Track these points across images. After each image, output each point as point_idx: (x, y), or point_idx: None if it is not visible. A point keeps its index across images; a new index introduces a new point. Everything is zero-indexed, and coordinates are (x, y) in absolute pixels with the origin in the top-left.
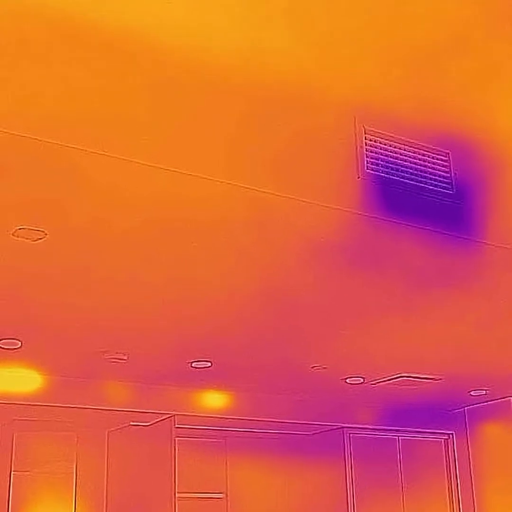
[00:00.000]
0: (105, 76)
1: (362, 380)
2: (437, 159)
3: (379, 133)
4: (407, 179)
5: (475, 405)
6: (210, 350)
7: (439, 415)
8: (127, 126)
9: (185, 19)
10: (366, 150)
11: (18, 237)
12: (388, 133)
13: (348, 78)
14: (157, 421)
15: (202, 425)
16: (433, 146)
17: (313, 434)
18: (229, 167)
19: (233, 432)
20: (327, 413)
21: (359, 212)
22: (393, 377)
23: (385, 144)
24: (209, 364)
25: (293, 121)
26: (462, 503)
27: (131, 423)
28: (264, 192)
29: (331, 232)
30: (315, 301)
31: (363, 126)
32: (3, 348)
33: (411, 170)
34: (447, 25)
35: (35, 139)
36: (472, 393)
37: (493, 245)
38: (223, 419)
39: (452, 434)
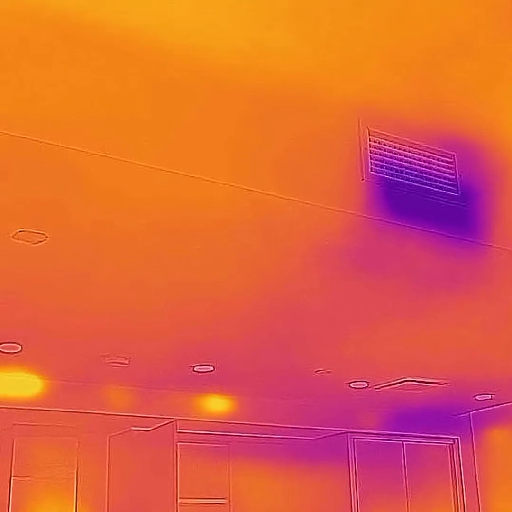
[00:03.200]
0: (106, 77)
1: (366, 385)
2: (442, 161)
3: (384, 134)
4: (412, 181)
5: (480, 410)
6: (213, 354)
7: (444, 419)
8: (129, 127)
9: (187, 19)
10: (370, 152)
11: (18, 239)
12: (392, 135)
13: (352, 79)
14: (159, 426)
15: (204, 430)
16: (438, 147)
17: (317, 439)
18: (232, 169)
19: (236, 437)
20: (331, 418)
21: (363, 215)
22: (397, 381)
23: (389, 146)
24: (212, 368)
25: (297, 122)
26: (467, 508)
27: (133, 428)
28: (268, 194)
29: (335, 235)
30: (319, 304)
31: (367, 128)
32: (3, 352)
33: (415, 172)
34: (451, 26)
35: (36, 140)
36: (477, 397)
37: (499, 247)
38: (226, 424)
39: (457, 439)
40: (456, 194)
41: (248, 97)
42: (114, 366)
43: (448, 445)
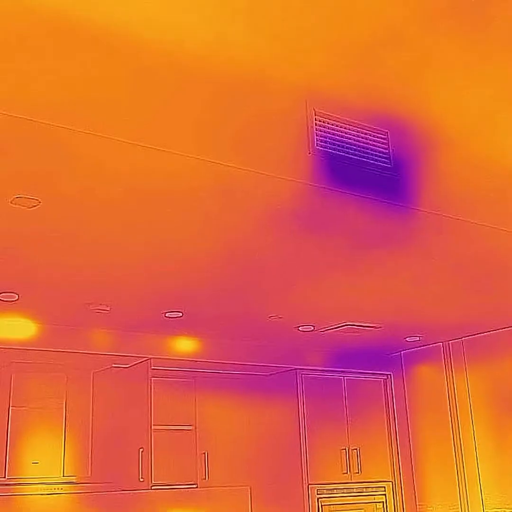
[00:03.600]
0: (92, 66)
1: (312, 328)
2: (377, 137)
3: (327, 114)
4: (352, 154)
5: (410, 350)
6: (181, 302)
7: (379, 358)
8: (111, 109)
9: (161, 16)
10: (316, 130)
11: (15, 204)
12: (335, 115)
13: (300, 67)
14: (136, 364)
15: (174, 367)
16: (374, 126)
17: (270, 374)
18: (198, 144)
19: (201, 373)
20: (282, 357)
21: (310, 183)
22: (339, 325)
23: (332, 124)
24: (181, 314)
25: (253, 104)
26: (399, 434)
27: (113, 365)
28: (228, 166)
29: (286, 201)
30: (272, 260)
31: (314, 109)
32: (2, 300)
33: (354, 147)
34: (385, 21)
35: (31, 120)
36: (407, 339)
37: (426, 211)
38: (193, 361)
39: (390, 374)
40: (389, 166)
41: (212, 83)
42: (97, 312)
43: (382, 380)
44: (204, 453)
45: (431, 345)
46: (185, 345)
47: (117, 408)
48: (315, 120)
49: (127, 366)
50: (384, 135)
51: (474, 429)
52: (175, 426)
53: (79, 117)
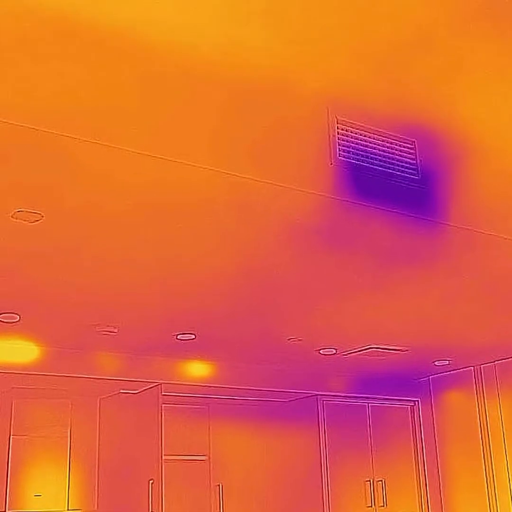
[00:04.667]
0: (98, 70)
1: (334, 351)
2: (404, 147)
3: (350, 123)
4: (376, 165)
5: (439, 374)
6: (194, 324)
7: (405, 383)
8: (118, 116)
9: (172, 17)
10: (338, 139)
11: (16, 219)
12: (358, 123)
13: (321, 72)
14: (145, 389)
15: (186, 393)
16: (400, 135)
17: (290, 401)
18: (212, 154)
19: (216, 399)
20: (302, 382)
21: (332, 196)
22: (363, 348)
23: (356, 133)
24: (193, 336)
25: (271, 112)
26: (426, 464)
27: (121, 391)
28: (244, 177)
29: (306, 214)
30: (291, 278)
31: (336, 117)
32: (3, 321)
33: (379, 157)
34: (414, 23)
35: (33, 128)
36: (436, 363)
37: (456, 226)
38: (206, 387)
39: (417, 401)
40: (416, 177)
41: (227, 89)
42: (104, 334)
43: (409, 406)
44: (219, 485)
45: (461, 369)
46: (198, 370)
47: (126, 436)
48: (337, 128)
49: (136, 392)
50: (411, 145)
51: (508, 459)
52: (188, 456)
53: (84, 125)
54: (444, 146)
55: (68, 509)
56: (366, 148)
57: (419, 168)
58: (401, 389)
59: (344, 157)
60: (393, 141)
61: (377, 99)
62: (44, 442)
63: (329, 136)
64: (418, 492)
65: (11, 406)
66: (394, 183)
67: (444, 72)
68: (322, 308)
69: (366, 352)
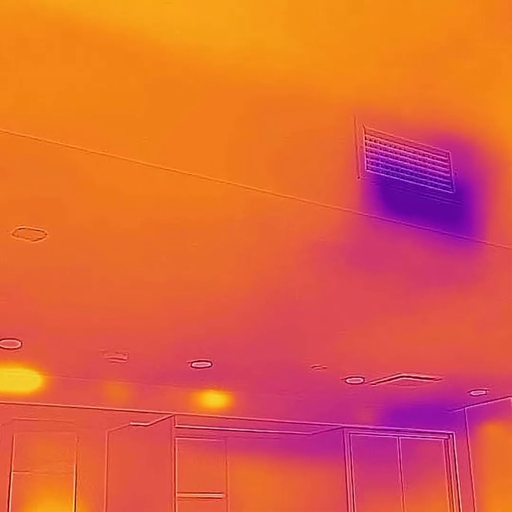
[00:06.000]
0: (105, 76)
1: (362, 380)
2: (437, 159)
3: (379, 133)
4: (407, 179)
5: (475, 405)
6: (210, 350)
7: (439, 415)
8: (127, 126)
9: (185, 19)
10: (366, 150)
11: (18, 237)
12: (388, 133)
13: (348, 78)
14: (157, 421)
15: (202, 425)
16: (433, 146)
17: (313, 434)
18: (229, 167)
19: (233, 432)
20: (327, 413)
21: (359, 212)
22: (393, 377)
23: (385, 144)
24: (209, 364)
25: (293, 121)
26: (462, 503)
27: (131, 423)
28: (264, 192)
29: (331, 232)
30: (315, 301)
31: (363, 126)
32: (3, 348)
33: (411, 170)
34: (447, 25)
35: (35, 139)
36: (472, 393)
37: (493, 245)
38: (223, 419)
39: (452, 434)
40: (451, 192)
41: (245, 96)
42: (112, 361)
43: (443, 440)
44: None
45: (499, 400)
46: (214, 400)
47: (136, 472)
48: (365, 139)
49: (147, 424)
50: (445, 157)
51: None
52: (203, 494)
53: (91, 135)
54: (480, 158)
55: None
56: (396, 160)
57: (453, 182)
58: (434, 421)
59: (372, 170)
60: (425, 152)
61: (408, 107)
62: (47, 478)
63: (356, 148)
64: None
65: (12, 439)
66: (426, 198)
67: (480, 77)
68: (348, 334)
69: (396, 381)
